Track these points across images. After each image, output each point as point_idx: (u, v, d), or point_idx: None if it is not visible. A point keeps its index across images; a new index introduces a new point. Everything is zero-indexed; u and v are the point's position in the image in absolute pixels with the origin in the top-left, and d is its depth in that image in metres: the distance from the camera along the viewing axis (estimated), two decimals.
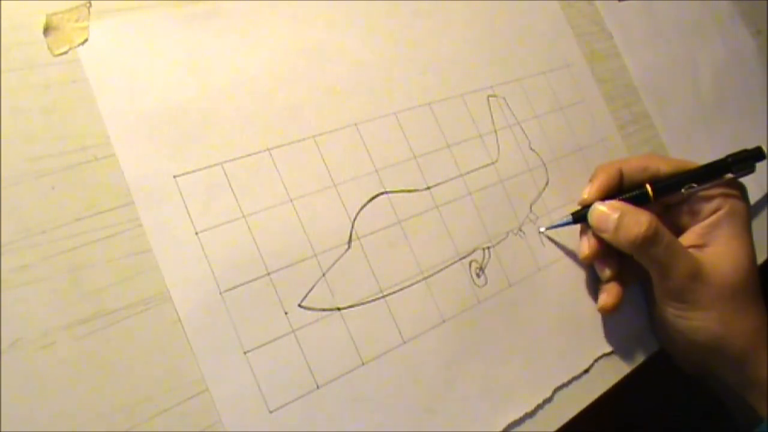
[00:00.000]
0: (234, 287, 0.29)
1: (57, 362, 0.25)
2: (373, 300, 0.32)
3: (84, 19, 0.29)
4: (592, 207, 0.37)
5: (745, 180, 0.40)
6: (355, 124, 0.34)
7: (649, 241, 0.35)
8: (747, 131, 0.54)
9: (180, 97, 0.30)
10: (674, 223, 0.40)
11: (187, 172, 0.29)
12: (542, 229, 0.38)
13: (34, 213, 0.26)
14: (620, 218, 0.36)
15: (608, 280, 0.38)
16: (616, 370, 0.38)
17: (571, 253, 0.39)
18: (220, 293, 0.28)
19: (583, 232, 0.38)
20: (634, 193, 0.38)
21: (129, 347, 0.26)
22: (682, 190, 0.38)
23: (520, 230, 0.38)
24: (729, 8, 0.59)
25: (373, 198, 0.34)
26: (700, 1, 0.56)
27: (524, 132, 0.40)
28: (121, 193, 0.28)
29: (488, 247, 0.36)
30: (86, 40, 0.29)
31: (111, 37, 0.29)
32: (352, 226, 0.32)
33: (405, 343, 0.32)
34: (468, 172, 0.37)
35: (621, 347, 0.39)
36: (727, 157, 0.38)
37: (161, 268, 0.27)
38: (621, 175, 0.39)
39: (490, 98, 0.40)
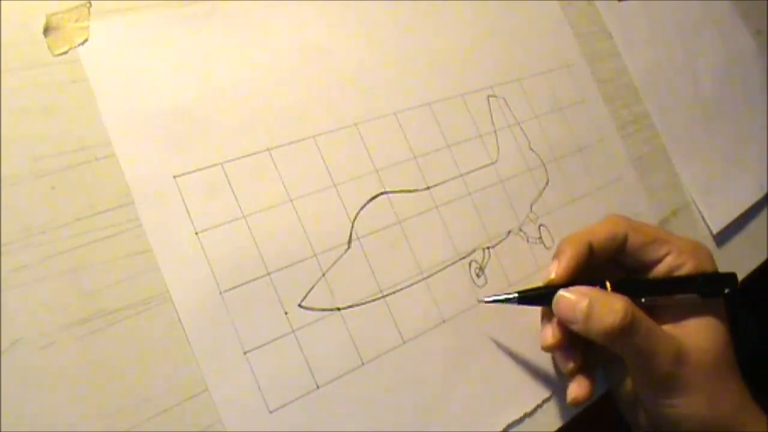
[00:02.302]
0: (234, 287, 0.29)
1: (57, 362, 0.25)
2: (373, 300, 0.32)
3: (84, 19, 0.29)
4: (557, 296, 0.33)
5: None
6: (355, 124, 0.34)
7: (625, 330, 0.31)
8: (747, 131, 0.54)
9: (180, 97, 0.30)
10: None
11: (187, 172, 0.29)
12: (484, 299, 0.34)
13: (34, 213, 0.26)
14: (590, 306, 0.31)
15: (572, 374, 0.34)
16: None
17: None
18: (220, 293, 0.28)
19: (545, 317, 0.34)
20: (594, 286, 0.33)
21: (129, 347, 0.26)
22: (642, 300, 0.34)
23: (520, 230, 0.38)
24: (729, 8, 0.59)
25: (373, 198, 0.34)
26: (700, 1, 0.56)
27: (524, 132, 0.40)
28: (121, 193, 0.28)
29: (488, 247, 0.36)
30: (86, 40, 0.29)
31: (111, 37, 0.29)
32: (352, 226, 0.32)
33: (405, 343, 0.32)
34: (468, 172, 0.37)
35: None
36: (699, 275, 0.35)
37: (161, 268, 0.27)
38: (590, 249, 0.34)
39: (490, 98, 0.40)
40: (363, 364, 0.31)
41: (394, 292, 0.32)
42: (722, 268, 0.45)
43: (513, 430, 0.33)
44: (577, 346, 0.34)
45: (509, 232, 0.37)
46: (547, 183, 0.40)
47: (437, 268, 0.34)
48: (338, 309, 0.31)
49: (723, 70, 0.55)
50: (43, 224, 0.26)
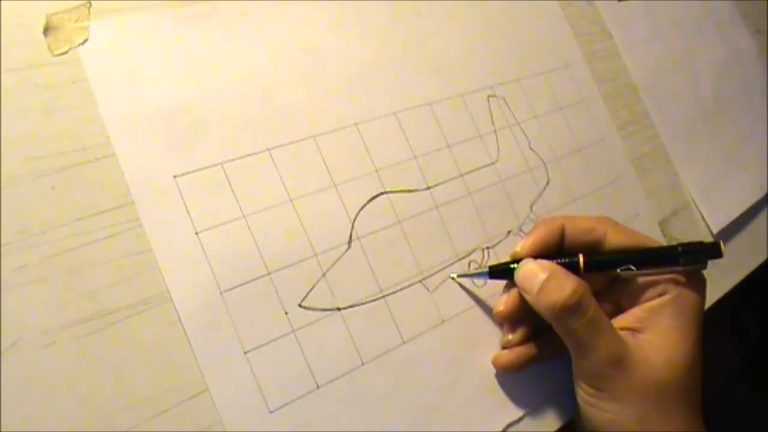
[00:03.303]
0: (234, 287, 0.29)
1: (57, 362, 0.25)
2: (373, 300, 0.32)
3: (84, 19, 0.29)
4: (523, 262, 0.33)
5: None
6: (355, 124, 0.34)
7: (568, 310, 0.31)
8: (747, 131, 0.54)
9: (180, 97, 0.30)
10: (616, 302, 0.35)
11: (187, 172, 0.29)
12: (453, 275, 0.34)
13: (34, 213, 0.26)
14: (546, 280, 0.31)
15: (506, 345, 0.34)
16: None
17: None
18: (220, 293, 0.28)
19: (507, 287, 0.35)
20: (563, 260, 0.33)
21: (129, 347, 0.26)
22: (618, 270, 0.33)
23: (520, 230, 0.38)
24: (729, 8, 0.59)
25: (373, 198, 0.34)
26: (700, 1, 0.56)
27: (524, 132, 0.40)
28: (121, 193, 0.28)
29: (488, 248, 0.36)
30: (86, 40, 0.29)
31: (111, 37, 0.29)
32: (352, 226, 0.32)
33: (405, 343, 0.32)
34: (468, 172, 0.37)
35: None
36: (678, 245, 0.33)
37: (161, 268, 0.27)
38: (562, 234, 0.35)
39: (490, 98, 0.40)
40: (363, 364, 0.31)
41: (394, 292, 0.32)
42: (722, 267, 0.45)
43: (513, 429, 0.33)
44: (527, 325, 0.34)
45: (509, 232, 0.37)
46: (547, 183, 0.40)
47: (437, 268, 0.34)
48: (338, 309, 0.31)
49: (723, 70, 0.55)
50: (43, 224, 0.26)
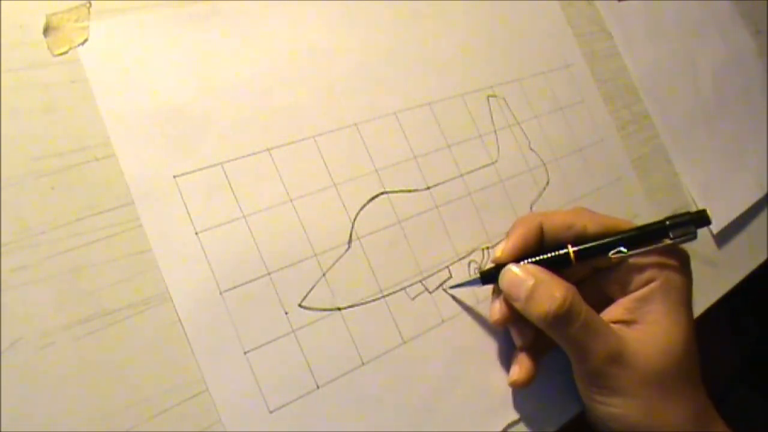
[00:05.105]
0: (234, 287, 0.29)
1: (57, 362, 0.25)
2: (373, 300, 0.32)
3: (84, 19, 0.29)
4: (505, 269, 0.32)
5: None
6: (355, 124, 0.34)
7: (560, 319, 0.31)
8: (747, 131, 0.54)
9: (180, 97, 0.30)
10: (602, 291, 0.35)
11: (187, 172, 0.29)
12: (447, 288, 0.34)
13: (34, 213, 0.26)
14: (533, 288, 0.31)
15: (521, 349, 0.34)
16: None
17: None
18: (220, 293, 0.28)
19: (495, 292, 0.34)
20: (552, 254, 0.33)
21: (129, 347, 0.26)
22: (610, 255, 0.33)
23: None
24: (729, 8, 0.59)
25: (373, 198, 0.34)
26: (700, 1, 0.56)
27: (524, 132, 0.40)
28: (121, 193, 0.28)
29: (488, 248, 0.36)
30: (86, 40, 0.29)
31: (111, 37, 0.29)
32: (352, 226, 0.32)
33: (405, 343, 0.32)
34: (468, 172, 0.37)
35: None
36: (665, 219, 0.33)
37: (161, 268, 0.27)
38: (541, 231, 0.34)
39: (490, 98, 0.40)
40: (363, 364, 0.31)
41: (394, 292, 0.32)
42: (722, 268, 0.45)
43: (513, 430, 0.33)
44: (529, 325, 0.33)
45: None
46: (547, 183, 0.40)
47: (437, 268, 0.34)
48: (338, 309, 0.31)
49: (723, 70, 0.55)
50: (43, 224, 0.26)
